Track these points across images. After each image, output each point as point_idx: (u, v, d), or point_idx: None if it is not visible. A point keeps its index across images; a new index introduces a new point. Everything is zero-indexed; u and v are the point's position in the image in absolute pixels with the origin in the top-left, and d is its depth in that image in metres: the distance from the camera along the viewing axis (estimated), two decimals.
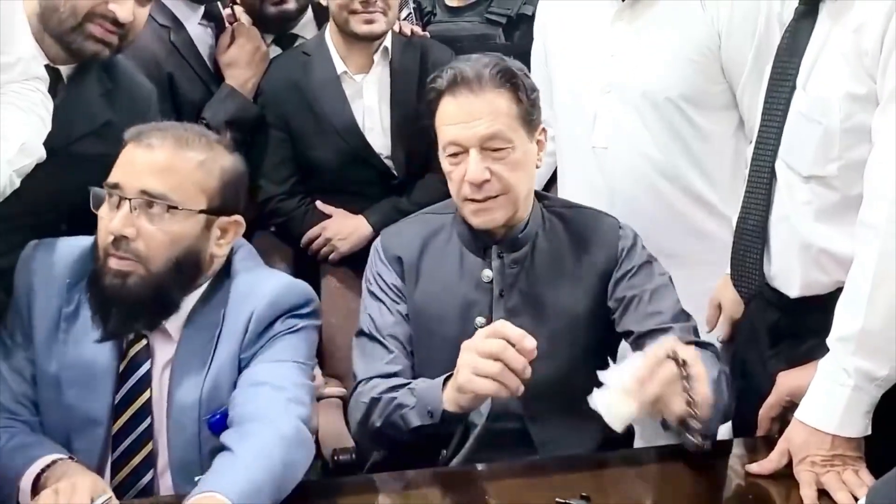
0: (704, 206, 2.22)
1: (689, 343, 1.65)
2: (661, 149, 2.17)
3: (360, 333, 1.85)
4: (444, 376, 1.62)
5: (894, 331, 1.44)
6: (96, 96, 2.00)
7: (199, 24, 2.58)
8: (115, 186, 1.59)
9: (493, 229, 1.81)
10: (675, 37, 2.13)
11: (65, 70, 1.94)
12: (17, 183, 1.71)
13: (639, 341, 1.75)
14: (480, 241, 1.84)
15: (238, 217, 1.69)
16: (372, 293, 1.87)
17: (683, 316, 1.80)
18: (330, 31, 2.59)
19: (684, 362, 1.45)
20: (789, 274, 1.70)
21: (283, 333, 1.64)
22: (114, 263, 1.58)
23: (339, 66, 2.57)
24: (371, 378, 1.76)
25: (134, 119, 1.79)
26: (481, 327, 1.74)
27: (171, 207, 1.58)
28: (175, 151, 1.61)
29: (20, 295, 1.67)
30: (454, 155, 1.76)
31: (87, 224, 1.71)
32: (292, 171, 2.61)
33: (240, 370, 1.63)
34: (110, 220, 1.58)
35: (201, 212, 1.62)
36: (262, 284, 1.68)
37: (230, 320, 1.64)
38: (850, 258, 1.53)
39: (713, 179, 2.21)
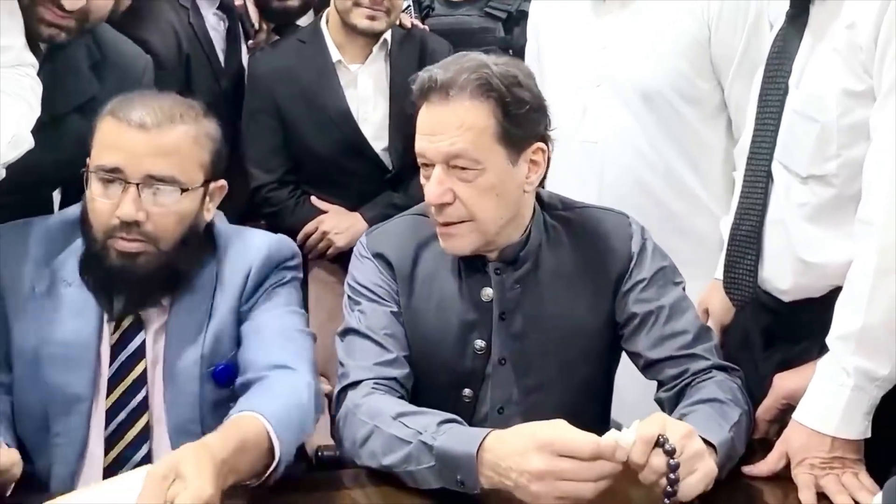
0: (694, 204, 2.19)
1: (713, 367, 1.59)
2: (651, 144, 2.15)
3: (347, 332, 1.68)
4: (476, 442, 1.37)
5: (895, 328, 1.41)
6: (84, 69, 1.96)
7: (214, 13, 2.59)
8: (116, 170, 1.55)
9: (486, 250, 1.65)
10: (666, 29, 2.12)
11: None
12: (3, 173, 1.69)
13: (657, 367, 1.63)
14: (477, 256, 1.67)
15: (223, 181, 1.70)
16: (359, 293, 1.70)
17: (705, 333, 1.65)
18: (328, 17, 2.58)
19: (673, 450, 1.29)
20: (782, 278, 1.67)
21: (276, 285, 1.70)
22: (121, 245, 1.56)
23: (335, 55, 2.56)
24: (362, 381, 1.59)
25: (124, 91, 1.73)
26: (480, 351, 1.67)
27: (183, 190, 1.58)
28: (172, 130, 1.57)
29: None
30: (424, 167, 1.61)
31: (77, 199, 1.69)
32: (284, 160, 2.60)
33: (239, 323, 1.67)
34: (113, 203, 1.55)
35: (201, 185, 1.63)
36: (253, 240, 1.73)
37: (226, 277, 1.68)
38: (842, 262, 1.50)
39: (704, 177, 2.19)
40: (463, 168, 1.56)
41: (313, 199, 2.61)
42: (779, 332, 1.72)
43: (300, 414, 1.51)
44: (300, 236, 2.58)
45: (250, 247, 1.71)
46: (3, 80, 1.70)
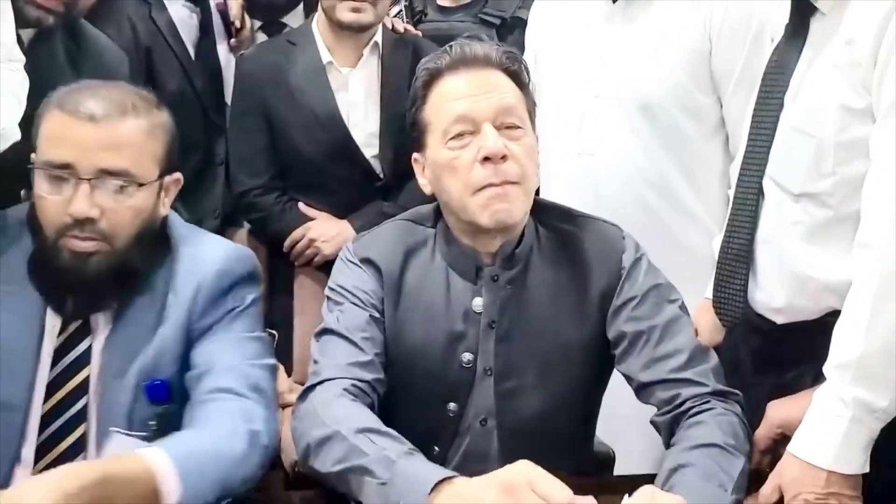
0: (691, 220, 2.15)
1: (709, 394, 1.51)
2: (649, 157, 2.11)
3: (324, 332, 1.62)
4: (438, 477, 1.31)
5: (895, 357, 1.36)
6: (60, 63, 1.95)
7: (184, 5, 2.55)
8: (66, 166, 1.48)
9: (487, 244, 1.60)
10: (667, 41, 2.09)
11: (25, 33, 1.88)
12: None
13: (648, 390, 1.56)
14: (471, 263, 1.63)
15: (178, 174, 1.64)
16: (341, 295, 1.64)
17: (701, 354, 1.57)
18: (318, 20, 2.54)
19: None
20: (775, 299, 1.63)
21: (238, 312, 1.60)
22: (74, 245, 1.50)
23: (325, 57, 2.51)
24: (332, 379, 1.53)
25: None
26: (467, 364, 1.61)
27: (138, 184, 1.52)
28: (124, 122, 1.51)
29: None
30: (460, 136, 1.54)
31: None
32: (270, 164, 2.55)
33: (190, 341, 1.57)
34: (63, 200, 1.49)
35: (156, 179, 1.57)
36: (206, 250, 1.62)
37: (178, 286, 1.58)
38: (840, 283, 1.46)
39: (701, 193, 2.15)
40: (509, 127, 1.55)
41: (300, 205, 2.56)
42: (770, 357, 1.68)
43: (223, 463, 1.39)
44: (287, 243, 2.54)
45: (203, 258, 1.61)
46: None
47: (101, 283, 1.52)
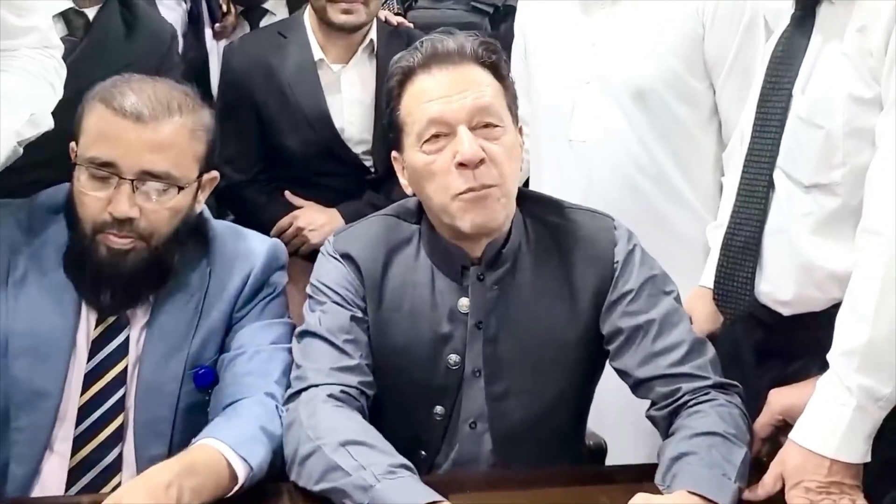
0: (683, 207, 2.13)
1: (710, 386, 1.49)
2: (642, 144, 2.08)
3: (305, 334, 1.57)
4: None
5: None
6: (120, 36, 2.00)
7: None
8: (110, 165, 1.48)
9: (472, 245, 1.56)
10: (659, 26, 2.06)
11: (91, 13, 1.96)
12: (21, 152, 1.65)
13: (646, 386, 1.53)
14: (456, 262, 1.58)
15: (215, 172, 1.64)
16: (322, 293, 1.59)
17: (699, 347, 1.55)
18: (309, 15, 2.48)
19: None
20: (782, 291, 1.61)
21: (272, 297, 1.66)
22: (112, 241, 1.51)
23: (317, 54, 2.46)
24: (317, 385, 1.49)
25: (153, 59, 1.79)
26: (454, 366, 1.58)
27: (178, 188, 1.53)
28: (169, 122, 1.51)
29: None
30: (435, 138, 1.49)
31: None
32: (257, 159, 2.50)
33: (229, 328, 1.63)
34: (104, 198, 1.50)
35: (196, 179, 1.58)
36: (251, 244, 1.68)
37: (221, 279, 1.63)
38: (849, 274, 1.44)
39: (694, 179, 2.13)
40: (486, 126, 1.51)
41: (287, 193, 2.52)
42: (772, 349, 1.66)
43: (269, 435, 1.45)
44: (273, 231, 2.47)
45: (249, 250, 1.66)
46: (26, 60, 1.66)
47: (137, 279, 1.53)
